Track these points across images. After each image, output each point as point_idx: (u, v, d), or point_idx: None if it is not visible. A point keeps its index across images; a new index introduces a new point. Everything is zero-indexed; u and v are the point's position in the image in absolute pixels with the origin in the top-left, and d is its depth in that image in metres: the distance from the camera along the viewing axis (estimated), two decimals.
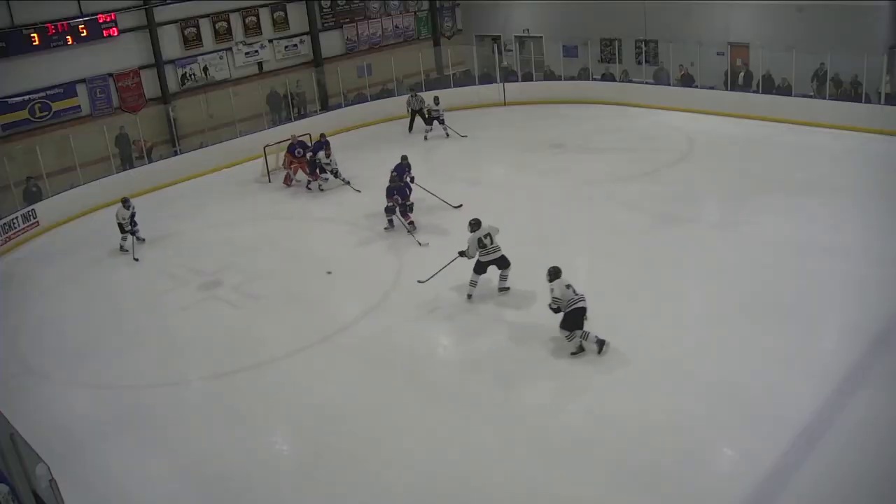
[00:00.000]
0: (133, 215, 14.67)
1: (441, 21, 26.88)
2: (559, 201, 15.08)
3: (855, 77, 17.62)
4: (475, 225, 11.07)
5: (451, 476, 7.88)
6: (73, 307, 12.79)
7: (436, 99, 20.07)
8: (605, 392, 9.02)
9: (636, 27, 22.33)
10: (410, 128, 20.78)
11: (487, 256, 11.04)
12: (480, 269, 11.14)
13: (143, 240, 14.99)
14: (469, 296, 11.25)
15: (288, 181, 17.42)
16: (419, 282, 11.61)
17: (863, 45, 17.40)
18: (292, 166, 17.38)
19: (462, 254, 11.18)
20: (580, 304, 9.44)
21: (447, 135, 19.83)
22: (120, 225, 14.58)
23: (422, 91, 21.58)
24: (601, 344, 9.52)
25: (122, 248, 14.70)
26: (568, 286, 9.46)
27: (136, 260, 14.32)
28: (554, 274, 9.57)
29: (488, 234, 10.99)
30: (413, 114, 20.69)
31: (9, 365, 11.02)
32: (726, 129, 18.53)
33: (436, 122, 19.96)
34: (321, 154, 16.96)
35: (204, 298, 12.46)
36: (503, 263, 11.19)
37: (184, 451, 8.79)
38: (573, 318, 9.47)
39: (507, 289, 11.37)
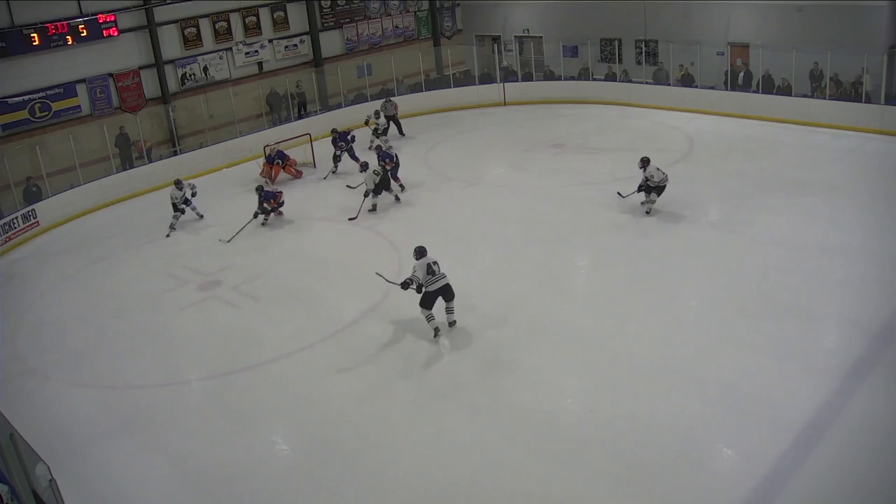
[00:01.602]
0: (184, 196, 15.59)
1: (441, 21, 26.89)
2: (559, 201, 15.08)
3: (857, 77, 17.61)
4: (421, 252, 10.29)
5: (451, 476, 7.88)
6: (73, 307, 12.79)
7: (376, 113, 19.63)
8: (605, 392, 9.02)
9: (636, 27, 22.35)
10: (400, 133, 20.63)
11: (435, 285, 10.18)
12: (428, 302, 10.25)
13: (202, 216, 16.01)
14: (436, 330, 10.34)
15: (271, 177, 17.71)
16: (377, 275, 11.00)
17: (863, 45, 17.42)
18: (273, 171, 17.67)
19: (406, 285, 10.20)
20: (666, 184, 13.59)
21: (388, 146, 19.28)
22: (174, 204, 15.57)
23: (392, 96, 21.66)
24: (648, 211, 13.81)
25: (171, 227, 15.54)
26: (658, 168, 13.57)
27: (202, 216, 15.93)
28: (645, 161, 13.60)
29: (436, 262, 10.26)
30: (388, 120, 20.57)
31: (9, 365, 11.02)
32: (726, 129, 18.54)
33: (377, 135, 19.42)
34: (340, 146, 17.95)
35: (204, 298, 12.47)
36: (448, 294, 10.36)
37: (184, 451, 8.79)
38: (660, 189, 13.66)
39: (455, 322, 10.52)
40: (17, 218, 15.92)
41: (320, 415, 9.16)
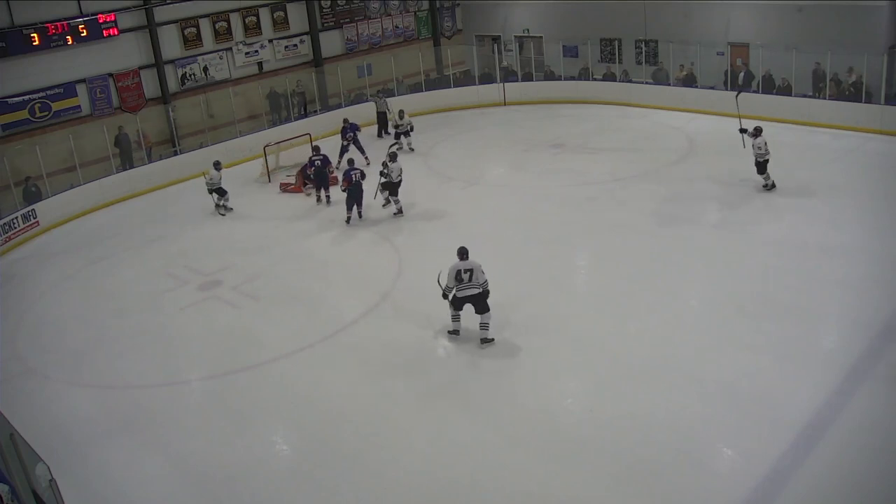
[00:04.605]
0: (221, 178, 16.01)
1: (441, 21, 26.91)
2: (559, 201, 15.08)
3: (859, 77, 17.61)
4: (463, 254, 10.01)
5: (451, 476, 7.88)
6: (73, 307, 12.79)
7: (400, 113, 19.21)
8: (605, 392, 9.02)
9: (636, 27, 22.36)
10: (380, 132, 20.59)
11: (463, 292, 10.00)
12: (457, 304, 10.16)
13: (224, 214, 16.18)
14: (455, 332, 10.30)
15: (285, 187, 17.32)
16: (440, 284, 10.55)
17: (863, 45, 17.41)
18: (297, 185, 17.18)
19: (444, 294, 10.12)
20: (766, 159, 14.17)
21: (412, 149, 18.92)
22: (217, 189, 15.98)
23: (392, 96, 21.65)
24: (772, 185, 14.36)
25: (223, 208, 16.15)
26: (765, 143, 14.07)
27: (223, 214, 16.12)
28: (759, 130, 14.17)
29: (470, 270, 9.92)
30: (379, 115, 20.60)
31: (9, 365, 11.02)
32: (726, 129, 18.49)
33: (402, 136, 18.97)
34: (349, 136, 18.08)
35: (204, 298, 12.47)
36: (480, 306, 10.06)
37: (183, 451, 8.78)
38: (761, 166, 14.28)
39: (490, 340, 10.07)
40: (17, 218, 15.92)
41: (320, 415, 9.16)
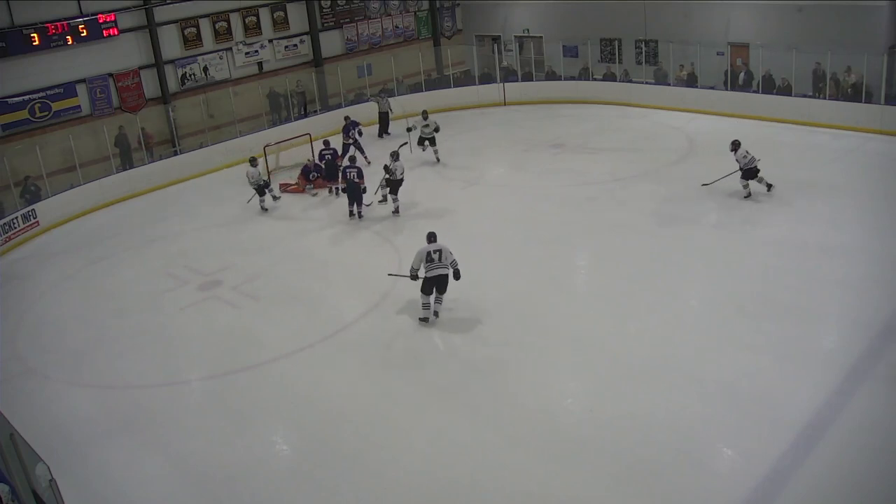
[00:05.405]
0: (260, 175, 15.95)
1: (441, 21, 26.91)
2: (559, 201, 15.08)
3: (859, 77, 17.60)
4: (428, 238, 10.54)
5: (451, 476, 7.87)
6: (73, 307, 12.79)
7: (424, 113, 17.97)
8: (605, 392, 9.02)
9: (636, 27, 22.36)
10: (380, 133, 20.57)
11: (433, 272, 10.39)
12: (425, 288, 10.53)
13: (279, 197, 16.40)
14: (426, 319, 10.66)
15: (285, 187, 17.26)
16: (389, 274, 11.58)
17: (863, 45, 17.41)
18: (298, 185, 17.12)
19: (413, 276, 10.56)
20: (755, 165, 13.93)
21: (437, 159, 18.03)
22: (258, 187, 15.86)
23: (392, 96, 21.56)
24: (769, 186, 14.15)
25: (262, 208, 16.02)
26: (748, 151, 13.94)
27: (266, 209, 16.03)
28: (736, 144, 14.03)
29: (439, 251, 10.40)
30: (380, 115, 20.60)
31: (9, 365, 11.02)
32: (726, 129, 18.51)
33: (426, 142, 17.94)
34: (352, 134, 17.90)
35: (204, 298, 12.46)
36: (442, 286, 10.56)
37: (183, 451, 8.78)
38: (750, 173, 14.01)
39: (437, 314, 10.68)
40: (17, 218, 15.92)
41: (320, 415, 9.16)
